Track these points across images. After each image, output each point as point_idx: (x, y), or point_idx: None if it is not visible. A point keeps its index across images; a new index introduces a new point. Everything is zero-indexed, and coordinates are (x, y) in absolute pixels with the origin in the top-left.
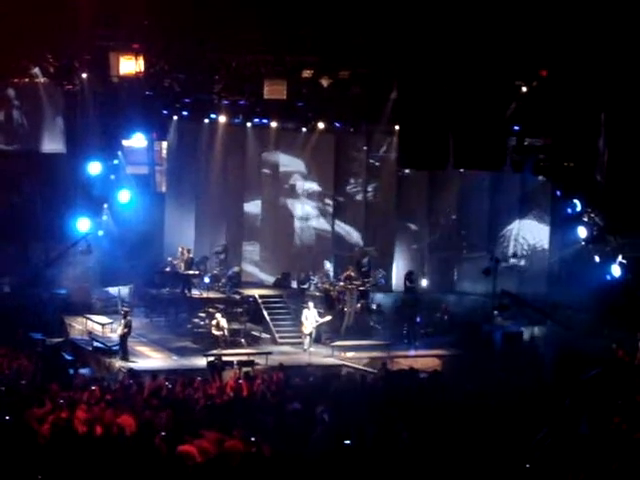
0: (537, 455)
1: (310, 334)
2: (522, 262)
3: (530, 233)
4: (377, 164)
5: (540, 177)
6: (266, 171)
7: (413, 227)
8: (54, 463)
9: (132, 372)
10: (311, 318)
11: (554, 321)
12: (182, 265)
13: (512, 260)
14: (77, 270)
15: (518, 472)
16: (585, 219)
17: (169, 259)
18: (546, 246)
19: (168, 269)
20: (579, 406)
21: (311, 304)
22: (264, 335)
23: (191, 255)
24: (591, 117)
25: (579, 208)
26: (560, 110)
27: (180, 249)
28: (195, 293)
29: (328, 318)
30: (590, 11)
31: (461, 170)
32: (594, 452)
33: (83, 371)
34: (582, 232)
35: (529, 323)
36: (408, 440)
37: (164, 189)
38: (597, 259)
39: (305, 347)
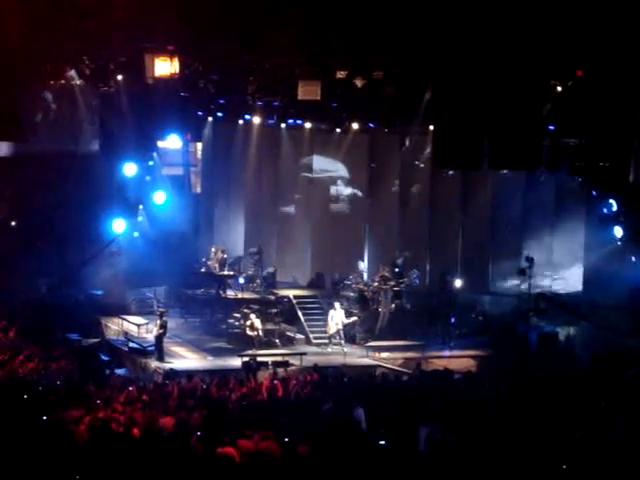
0: (574, 456)
1: (337, 334)
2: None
3: (565, 234)
4: (411, 165)
5: (576, 177)
6: (302, 173)
7: (447, 228)
8: (92, 464)
9: (169, 373)
10: (337, 318)
11: (590, 322)
12: (216, 265)
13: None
14: (113, 271)
15: (555, 473)
16: (621, 219)
17: (203, 260)
18: (582, 246)
19: (203, 270)
20: (615, 408)
21: (337, 304)
22: (298, 335)
23: (225, 256)
24: (627, 117)
25: (615, 208)
26: (595, 110)
27: (213, 249)
28: (230, 294)
29: (354, 319)
30: (626, 10)
31: (496, 170)
32: (630, 455)
33: (119, 371)
34: (618, 232)
35: (565, 323)
36: (453, 443)
37: (199, 190)
38: (633, 259)
39: (329, 349)
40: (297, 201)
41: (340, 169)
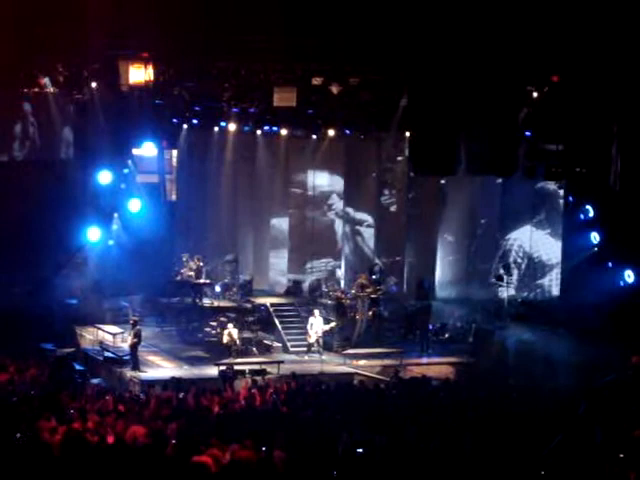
0: (551, 462)
1: (316, 342)
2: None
3: (542, 240)
4: (388, 171)
5: (552, 183)
6: (277, 178)
7: (425, 234)
8: (67, 474)
9: (145, 383)
10: (316, 326)
11: (568, 328)
12: (190, 274)
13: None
14: (88, 280)
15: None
16: (598, 225)
17: (176, 269)
18: (559, 252)
19: (179, 278)
20: (593, 414)
21: (317, 312)
22: (276, 344)
23: (202, 264)
24: (603, 123)
25: (591, 214)
26: (572, 116)
27: (184, 258)
28: (206, 302)
29: (333, 325)
30: (600, 17)
31: (473, 176)
32: (609, 461)
33: (94, 381)
34: (595, 238)
35: (543, 330)
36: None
37: (174, 197)
38: (610, 265)
39: (306, 357)
40: (274, 208)
41: (316, 175)
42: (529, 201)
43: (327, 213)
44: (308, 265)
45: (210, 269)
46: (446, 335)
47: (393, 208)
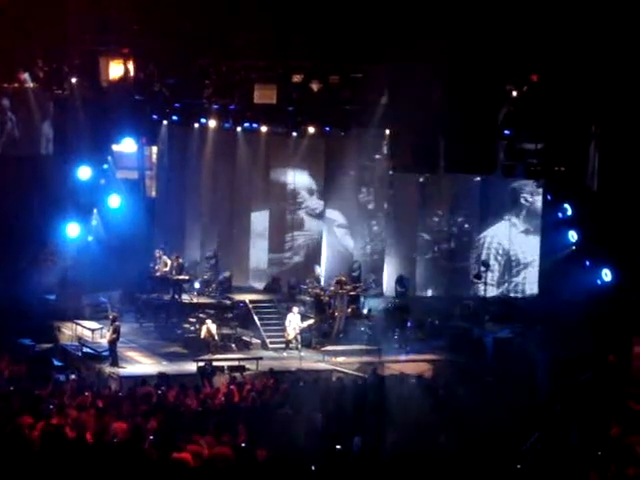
0: (528, 458)
1: (294, 339)
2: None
3: (519, 239)
4: (367, 169)
5: (530, 182)
6: (257, 175)
7: (404, 232)
8: (46, 470)
9: (123, 378)
10: (294, 323)
11: (546, 326)
12: (163, 269)
13: (482, 269)
14: (66, 275)
15: (509, 473)
16: (576, 223)
17: (151, 265)
18: (536, 251)
19: (158, 274)
20: (570, 412)
21: (295, 309)
22: (255, 340)
23: (181, 260)
24: (582, 122)
25: (570, 212)
26: (551, 115)
27: (157, 253)
28: (185, 298)
29: (310, 322)
30: (580, 16)
31: (452, 175)
32: (585, 459)
33: (71, 377)
34: (573, 236)
35: (520, 328)
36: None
37: (154, 194)
38: (588, 263)
39: (284, 354)
40: (254, 204)
41: (297, 173)
42: (507, 200)
43: (306, 210)
44: (287, 261)
45: (189, 265)
46: (424, 332)
47: (371, 206)
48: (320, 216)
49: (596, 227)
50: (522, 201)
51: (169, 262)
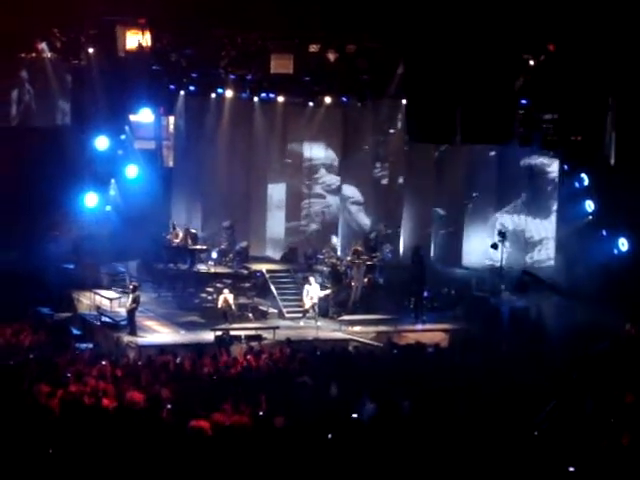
0: (545, 426)
1: (312, 308)
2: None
3: (534, 212)
4: (384, 139)
5: (545, 156)
6: (273, 145)
7: (421, 202)
8: (64, 437)
9: (142, 347)
10: (312, 293)
11: (565, 296)
12: (174, 240)
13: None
14: (84, 245)
15: (526, 440)
16: (593, 193)
17: (163, 234)
18: (554, 220)
19: (174, 244)
20: (585, 381)
21: (312, 279)
22: (271, 310)
23: (193, 231)
24: (599, 92)
25: (586, 182)
26: (568, 84)
27: (172, 224)
28: (202, 268)
29: (328, 292)
30: None
31: (469, 145)
32: (600, 428)
33: (83, 346)
34: (590, 206)
35: (536, 297)
36: (411, 412)
37: (171, 164)
38: (604, 233)
39: (301, 323)
40: (271, 175)
41: (313, 143)
42: (522, 174)
43: (322, 186)
44: (303, 229)
45: (207, 235)
46: (440, 302)
47: (386, 180)
48: (336, 186)
49: (613, 197)
50: (536, 177)
51: (181, 234)
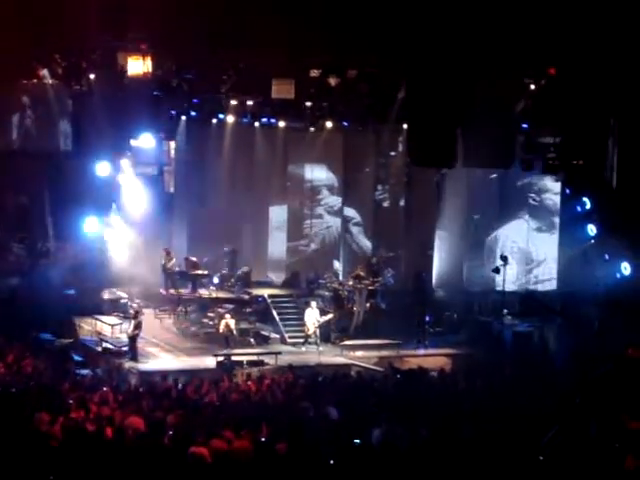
0: (548, 452)
1: (313, 333)
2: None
3: (535, 235)
4: (385, 163)
5: (547, 178)
6: (275, 170)
7: (422, 227)
8: (65, 464)
9: (143, 373)
10: (313, 318)
11: (567, 320)
12: (168, 266)
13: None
14: (86, 270)
15: (530, 465)
16: (595, 217)
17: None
18: (556, 244)
19: (177, 269)
20: (589, 405)
21: (314, 303)
22: (273, 335)
23: (194, 258)
24: (601, 115)
25: (588, 206)
26: (569, 108)
27: (165, 250)
28: (204, 293)
29: (330, 316)
30: (598, 10)
31: (470, 169)
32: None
33: (83, 372)
34: (592, 230)
35: (539, 321)
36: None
37: (172, 189)
38: (607, 257)
39: (303, 348)
40: (272, 199)
41: (315, 168)
42: (523, 197)
43: (324, 207)
44: (306, 258)
45: (208, 260)
46: (443, 327)
47: (388, 203)
48: (338, 210)
49: (615, 220)
50: (537, 198)
51: (174, 259)
